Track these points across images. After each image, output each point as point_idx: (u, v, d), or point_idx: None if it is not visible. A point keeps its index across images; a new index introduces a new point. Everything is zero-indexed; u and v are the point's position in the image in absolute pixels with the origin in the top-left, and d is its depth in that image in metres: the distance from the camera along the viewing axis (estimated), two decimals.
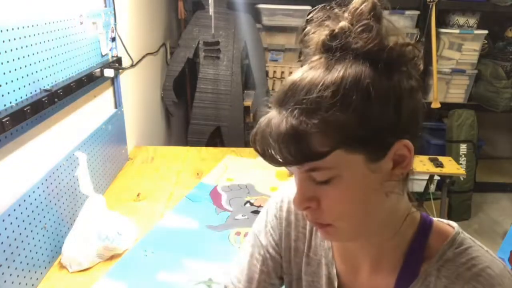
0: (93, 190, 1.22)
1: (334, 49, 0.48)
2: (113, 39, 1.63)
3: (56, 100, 1.14)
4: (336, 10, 0.50)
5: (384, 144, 0.47)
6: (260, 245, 0.70)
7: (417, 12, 2.75)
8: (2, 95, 0.93)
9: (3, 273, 0.94)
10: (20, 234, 1.01)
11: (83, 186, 1.19)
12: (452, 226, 0.58)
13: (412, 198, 0.57)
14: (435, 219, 0.60)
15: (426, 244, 0.56)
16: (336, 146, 0.45)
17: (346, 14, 0.49)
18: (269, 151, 0.47)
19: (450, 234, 0.56)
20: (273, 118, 0.47)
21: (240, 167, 1.73)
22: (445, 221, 0.60)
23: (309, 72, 0.48)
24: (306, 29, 0.51)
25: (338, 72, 0.46)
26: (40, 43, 1.08)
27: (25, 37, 1.00)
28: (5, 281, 0.95)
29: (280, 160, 0.47)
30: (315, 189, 0.50)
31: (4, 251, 0.95)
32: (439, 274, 0.54)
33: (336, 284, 0.63)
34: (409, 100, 0.48)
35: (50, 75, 1.14)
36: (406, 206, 0.56)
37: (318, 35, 0.50)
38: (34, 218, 1.08)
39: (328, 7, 0.50)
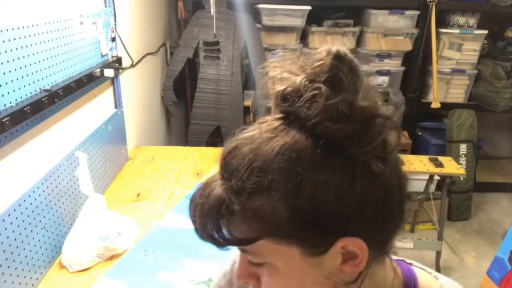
0: (93, 190, 1.22)
1: (286, 112, 0.40)
2: (113, 39, 1.63)
3: (56, 100, 1.14)
4: (301, 58, 0.41)
5: (323, 240, 0.38)
6: None
7: (417, 12, 2.75)
8: (2, 95, 0.93)
9: (3, 273, 0.94)
10: (20, 234, 1.01)
11: (83, 186, 1.19)
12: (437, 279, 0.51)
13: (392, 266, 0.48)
14: (417, 270, 0.52)
15: None
16: (260, 236, 0.38)
17: (308, 68, 0.39)
18: (195, 222, 0.42)
19: None
20: (212, 184, 0.41)
21: None
22: (428, 271, 0.53)
23: (250, 137, 0.40)
24: (269, 77, 0.42)
25: (274, 146, 0.37)
26: (40, 43, 1.08)
27: (25, 37, 1.00)
28: (5, 281, 0.95)
29: (201, 236, 0.41)
30: (254, 267, 0.44)
31: (4, 251, 0.95)
32: None
33: None
34: (362, 191, 0.37)
35: (50, 75, 1.14)
36: (384, 275, 0.47)
37: (275, 89, 0.41)
38: (34, 218, 1.08)
39: (299, 52, 0.42)
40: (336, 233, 0.38)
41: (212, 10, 2.40)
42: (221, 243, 0.41)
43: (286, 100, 0.39)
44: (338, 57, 0.38)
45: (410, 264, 0.53)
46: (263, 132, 0.40)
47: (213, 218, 0.39)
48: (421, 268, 0.52)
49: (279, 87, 0.40)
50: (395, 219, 0.41)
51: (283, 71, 0.41)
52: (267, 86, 0.42)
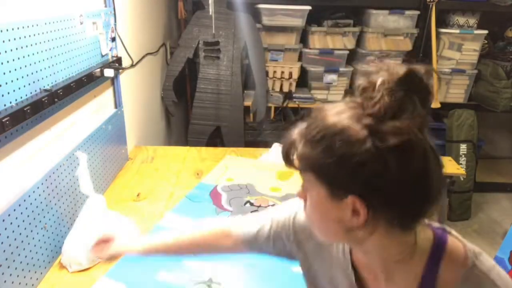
0: (93, 190, 1.22)
1: (361, 102, 0.53)
2: (113, 39, 1.63)
3: (56, 100, 1.14)
4: (392, 65, 0.53)
5: (341, 191, 0.53)
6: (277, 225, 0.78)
7: (417, 12, 2.75)
8: (2, 95, 0.93)
9: (3, 273, 0.94)
10: (20, 234, 1.01)
11: (83, 186, 1.19)
12: (465, 248, 0.59)
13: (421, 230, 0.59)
14: (450, 235, 0.62)
15: (437, 275, 0.58)
16: (307, 170, 0.56)
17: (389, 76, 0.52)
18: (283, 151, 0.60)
19: (463, 263, 0.57)
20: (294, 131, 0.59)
21: (240, 167, 1.73)
22: (460, 239, 0.62)
23: (331, 107, 0.55)
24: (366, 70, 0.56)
25: (339, 124, 0.52)
26: (40, 43, 1.08)
27: (25, 37, 1.00)
28: (5, 281, 0.95)
29: (283, 157, 0.60)
30: (305, 191, 0.61)
31: (4, 251, 0.95)
32: None
33: (353, 279, 0.67)
34: (375, 175, 0.50)
35: (50, 75, 1.14)
36: (405, 241, 0.58)
37: (360, 81, 0.55)
38: (34, 218, 1.08)
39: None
40: (350, 191, 0.52)
41: (211, 10, 2.40)
42: (290, 165, 0.59)
43: (365, 92, 0.53)
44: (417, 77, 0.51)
45: (449, 232, 0.63)
46: (340, 108, 0.54)
47: (288, 148, 0.58)
48: (455, 236, 0.62)
49: (363, 82, 0.54)
50: (410, 200, 0.52)
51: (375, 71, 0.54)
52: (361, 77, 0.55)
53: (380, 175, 0.50)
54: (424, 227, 0.61)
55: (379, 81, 0.51)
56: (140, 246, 0.90)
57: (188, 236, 0.89)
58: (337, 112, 0.53)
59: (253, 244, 0.80)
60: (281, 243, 0.77)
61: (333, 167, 0.52)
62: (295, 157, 0.57)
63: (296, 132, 0.57)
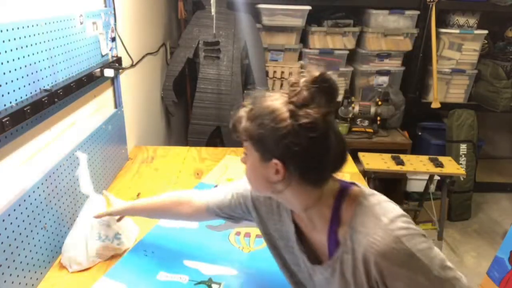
0: (93, 190, 1.22)
1: (288, 93, 0.73)
2: (113, 39, 1.63)
3: (56, 100, 1.14)
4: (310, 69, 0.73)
5: (267, 155, 0.74)
6: (236, 195, 1.00)
7: (417, 12, 2.75)
8: (2, 95, 0.93)
9: (3, 273, 0.94)
10: (20, 234, 1.01)
11: (83, 186, 1.19)
12: (361, 191, 0.79)
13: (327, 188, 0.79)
14: (355, 186, 0.81)
15: (339, 213, 0.77)
16: (247, 139, 0.77)
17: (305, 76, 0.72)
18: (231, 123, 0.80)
19: (356, 202, 0.76)
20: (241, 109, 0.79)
21: (240, 167, 1.73)
22: (362, 186, 0.81)
23: (270, 96, 0.75)
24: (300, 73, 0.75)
25: (270, 106, 0.72)
26: (40, 43, 1.08)
27: (25, 37, 1.00)
28: (5, 281, 0.95)
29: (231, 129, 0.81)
30: (246, 156, 0.81)
31: (4, 251, 0.95)
32: (352, 242, 0.73)
33: (293, 230, 0.87)
34: (294, 142, 0.69)
35: (50, 75, 1.14)
36: (314, 194, 0.78)
37: (291, 78, 0.75)
38: (34, 218, 1.08)
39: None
40: (274, 156, 0.72)
41: (212, 10, 2.40)
42: (236, 136, 0.79)
43: (293, 86, 0.73)
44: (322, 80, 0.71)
45: (356, 184, 0.81)
46: (274, 96, 0.74)
47: (235, 122, 0.79)
48: (359, 186, 0.81)
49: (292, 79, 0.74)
50: (314, 164, 0.73)
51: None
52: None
53: (295, 145, 0.69)
54: (334, 181, 0.80)
55: (302, 79, 0.71)
56: (123, 207, 1.19)
57: (156, 202, 1.15)
58: (272, 98, 0.73)
59: (215, 211, 1.03)
60: (240, 209, 0.99)
61: (264, 137, 0.72)
62: (240, 129, 0.77)
63: (243, 110, 0.77)
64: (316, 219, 0.80)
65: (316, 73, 0.70)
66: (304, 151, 0.70)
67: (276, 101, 0.72)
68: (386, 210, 0.72)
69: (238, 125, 0.77)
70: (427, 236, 0.71)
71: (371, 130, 2.72)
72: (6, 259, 0.96)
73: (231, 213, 1.02)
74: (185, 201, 1.09)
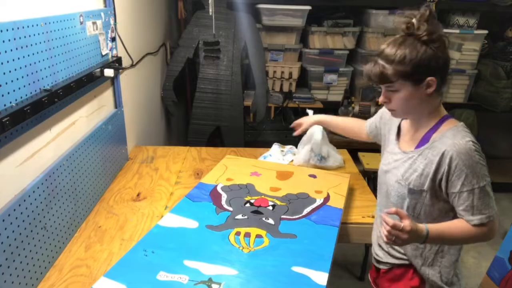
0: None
1: (408, 33, 1.01)
2: (113, 39, 1.63)
3: (56, 100, 1.14)
4: (415, 12, 1.02)
5: (422, 78, 0.99)
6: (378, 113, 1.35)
7: None
8: (2, 95, 0.93)
9: (3, 273, 0.94)
10: (20, 234, 1.01)
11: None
12: (457, 121, 1.07)
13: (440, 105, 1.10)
14: (452, 119, 1.07)
15: (440, 125, 1.06)
16: (398, 78, 1.00)
17: (417, 16, 1.01)
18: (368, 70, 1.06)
19: (453, 124, 1.05)
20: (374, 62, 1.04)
21: (240, 167, 1.73)
22: (456, 121, 1.07)
23: (393, 43, 1.01)
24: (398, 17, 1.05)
25: (408, 48, 0.99)
26: (40, 43, 1.08)
27: (25, 37, 1.00)
28: (5, 281, 0.95)
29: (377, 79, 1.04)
30: (388, 93, 1.05)
31: (4, 251, 0.95)
32: (439, 143, 1.03)
33: (396, 131, 1.21)
34: (437, 60, 0.99)
35: (50, 75, 1.14)
36: (436, 108, 1.08)
37: (401, 22, 1.02)
38: (34, 218, 1.08)
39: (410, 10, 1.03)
40: (427, 75, 0.99)
41: (211, 10, 2.40)
42: (384, 82, 1.03)
43: (409, 29, 1.01)
44: (431, 13, 1.01)
45: (453, 117, 1.09)
46: (397, 40, 1.02)
47: (380, 72, 1.02)
48: (456, 119, 1.08)
49: (404, 21, 1.02)
50: (446, 68, 1.03)
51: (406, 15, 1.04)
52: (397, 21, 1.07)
53: (437, 61, 0.98)
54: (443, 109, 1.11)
55: (413, 19, 1.01)
56: (317, 119, 1.61)
57: (343, 122, 1.55)
58: (398, 42, 1.01)
59: (368, 133, 1.40)
60: (376, 129, 1.34)
61: (416, 67, 0.97)
62: (389, 74, 0.99)
63: (380, 60, 1.01)
64: (423, 124, 1.09)
65: (427, 11, 1.00)
66: (442, 63, 0.99)
67: (405, 41, 0.99)
68: (469, 136, 1.01)
69: (386, 72, 0.99)
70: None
71: None
72: (6, 259, 0.96)
73: (374, 132, 1.36)
74: (361, 124, 1.45)
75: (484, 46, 2.91)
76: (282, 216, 1.35)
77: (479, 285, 2.03)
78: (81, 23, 1.33)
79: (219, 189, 1.53)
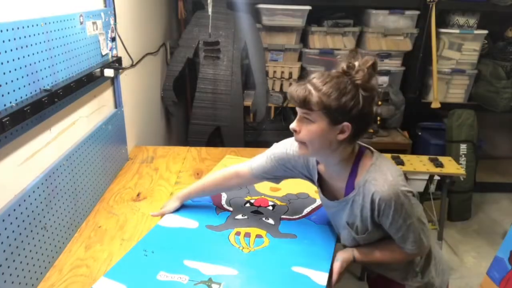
0: None
1: (345, 72, 0.98)
2: (113, 39, 1.63)
3: (56, 100, 1.14)
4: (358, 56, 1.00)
5: (339, 120, 0.96)
6: (274, 158, 1.20)
7: (417, 12, 2.75)
8: (2, 95, 0.93)
9: (3, 273, 0.94)
10: (20, 234, 1.01)
11: None
12: (372, 153, 1.07)
13: (355, 148, 1.07)
14: (365, 154, 1.06)
15: (357, 168, 1.05)
16: (319, 109, 0.95)
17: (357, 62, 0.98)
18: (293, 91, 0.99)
19: (370, 161, 1.04)
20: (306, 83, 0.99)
21: None
22: (371, 149, 1.09)
23: (327, 75, 0.98)
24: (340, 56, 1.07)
25: (333, 82, 0.96)
26: (40, 43, 1.08)
27: (25, 37, 1.00)
28: (5, 281, 0.95)
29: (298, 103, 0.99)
30: (302, 123, 1.00)
31: (4, 251, 0.95)
32: (364, 189, 1.02)
33: (316, 177, 1.17)
34: (360, 109, 0.95)
35: (50, 75, 1.14)
36: (347, 158, 1.05)
37: (343, 60, 0.99)
38: (34, 218, 1.08)
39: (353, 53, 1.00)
40: (345, 119, 0.95)
41: (209, 9, 2.40)
42: (306, 107, 0.97)
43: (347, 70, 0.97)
44: (375, 67, 1.00)
45: (369, 148, 1.09)
46: (331, 74, 0.98)
47: (306, 96, 0.96)
48: (369, 148, 1.09)
49: (344, 64, 0.98)
50: (366, 123, 1.00)
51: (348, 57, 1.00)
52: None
53: (360, 110, 0.94)
54: (356, 143, 1.06)
55: (356, 63, 0.98)
56: (181, 197, 1.36)
57: (207, 184, 1.32)
58: (333, 75, 0.97)
59: (261, 175, 1.23)
60: (282, 170, 1.21)
61: (337, 106, 0.94)
62: (312, 101, 0.95)
63: (308, 86, 0.96)
64: (340, 170, 1.07)
65: (371, 60, 0.98)
66: (362, 114, 0.95)
67: (338, 78, 0.96)
68: (391, 170, 1.01)
69: (310, 97, 0.95)
70: (415, 195, 1.02)
71: (371, 130, 2.72)
72: (6, 259, 0.96)
73: (274, 174, 1.23)
74: (232, 175, 1.28)
75: (484, 46, 2.91)
76: (282, 216, 1.35)
77: (479, 285, 2.03)
78: (81, 23, 1.33)
79: None
